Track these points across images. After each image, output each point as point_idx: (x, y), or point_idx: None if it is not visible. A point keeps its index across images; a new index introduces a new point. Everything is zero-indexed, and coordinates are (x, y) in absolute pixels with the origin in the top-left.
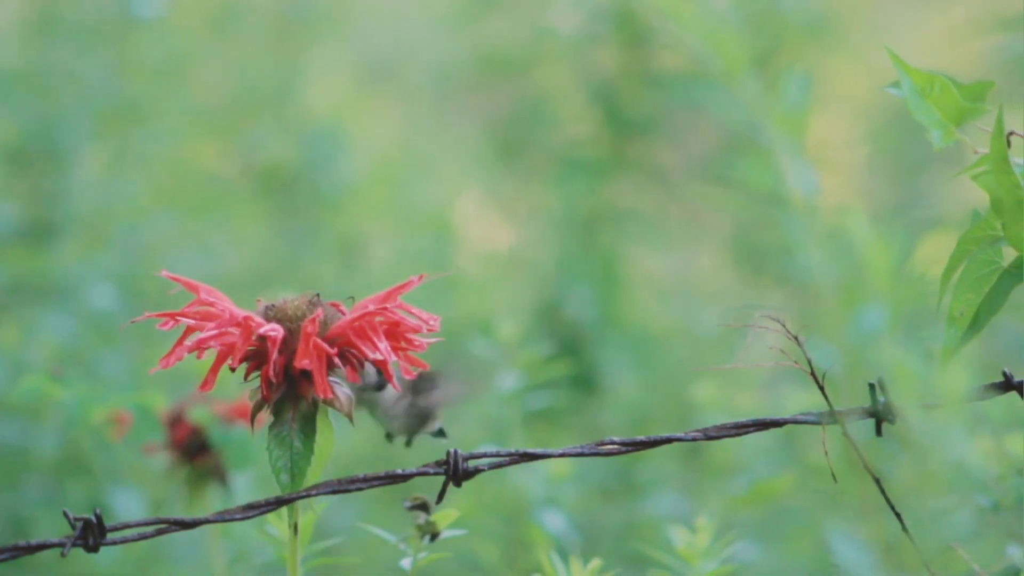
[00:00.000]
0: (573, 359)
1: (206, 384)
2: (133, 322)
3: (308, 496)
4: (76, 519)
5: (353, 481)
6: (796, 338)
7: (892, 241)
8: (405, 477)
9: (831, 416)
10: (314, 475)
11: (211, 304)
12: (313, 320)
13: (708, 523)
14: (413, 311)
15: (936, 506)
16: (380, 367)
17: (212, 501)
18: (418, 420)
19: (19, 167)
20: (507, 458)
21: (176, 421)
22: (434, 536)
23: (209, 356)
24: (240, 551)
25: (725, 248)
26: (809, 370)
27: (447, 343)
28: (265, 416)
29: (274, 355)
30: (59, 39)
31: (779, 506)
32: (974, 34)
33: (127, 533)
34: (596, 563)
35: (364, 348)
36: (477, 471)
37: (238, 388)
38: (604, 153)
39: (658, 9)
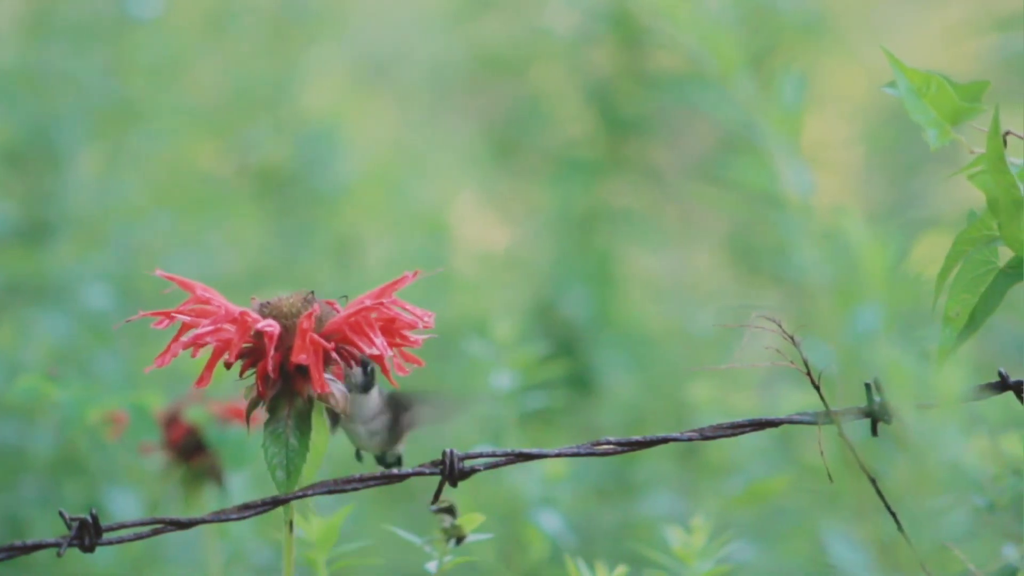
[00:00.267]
0: (569, 359)
1: (202, 380)
2: (128, 321)
3: (304, 496)
4: (72, 519)
5: (349, 481)
6: (792, 338)
7: (888, 241)
8: (401, 477)
9: (827, 416)
10: (309, 472)
11: (206, 302)
12: (309, 316)
13: (704, 523)
14: (407, 307)
15: (932, 506)
16: (376, 362)
17: (208, 501)
18: (394, 438)
19: (15, 167)
20: (503, 458)
21: (172, 421)
22: (460, 540)
23: (205, 353)
24: (236, 551)
25: (721, 248)
26: (805, 370)
27: (443, 343)
28: (260, 415)
29: (271, 351)
30: (55, 39)
31: (775, 506)
32: (970, 34)
33: (123, 533)
34: (621, 570)
35: (360, 343)
36: (473, 471)
37: (233, 389)
38: (600, 153)
39: (654, 9)
